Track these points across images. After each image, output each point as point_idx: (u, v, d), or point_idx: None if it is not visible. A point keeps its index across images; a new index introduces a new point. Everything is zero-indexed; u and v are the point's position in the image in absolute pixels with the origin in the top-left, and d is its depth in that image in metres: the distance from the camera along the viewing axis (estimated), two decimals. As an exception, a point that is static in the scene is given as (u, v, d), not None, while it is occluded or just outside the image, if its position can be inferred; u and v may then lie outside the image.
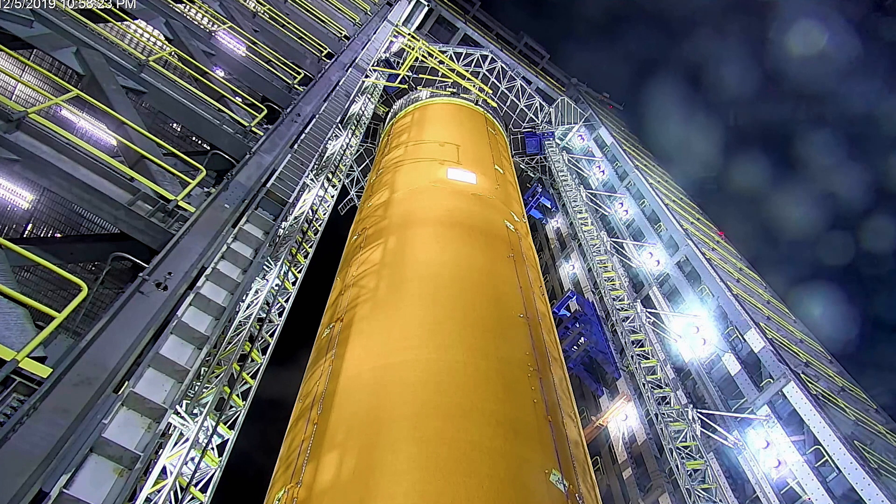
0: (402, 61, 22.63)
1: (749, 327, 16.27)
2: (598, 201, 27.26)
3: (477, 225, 15.28)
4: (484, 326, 11.52)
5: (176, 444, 7.98)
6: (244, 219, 7.03)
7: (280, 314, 11.60)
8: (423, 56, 22.81)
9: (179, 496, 7.86)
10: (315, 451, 9.10)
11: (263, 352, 10.74)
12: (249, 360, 10.15)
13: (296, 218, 13.25)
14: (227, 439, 8.93)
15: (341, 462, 8.53)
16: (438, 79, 26.19)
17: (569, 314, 22.67)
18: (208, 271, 6.04)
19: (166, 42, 9.98)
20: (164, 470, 7.73)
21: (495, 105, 28.28)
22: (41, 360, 4.06)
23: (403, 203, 16.20)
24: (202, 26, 10.99)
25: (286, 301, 11.87)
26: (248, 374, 10.02)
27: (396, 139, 22.51)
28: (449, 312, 11.61)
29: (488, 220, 15.85)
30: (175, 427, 8.02)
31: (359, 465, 8.39)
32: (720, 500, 14.64)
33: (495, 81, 30.49)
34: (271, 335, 11.13)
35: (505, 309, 12.49)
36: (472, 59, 29.80)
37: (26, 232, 15.89)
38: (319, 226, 14.30)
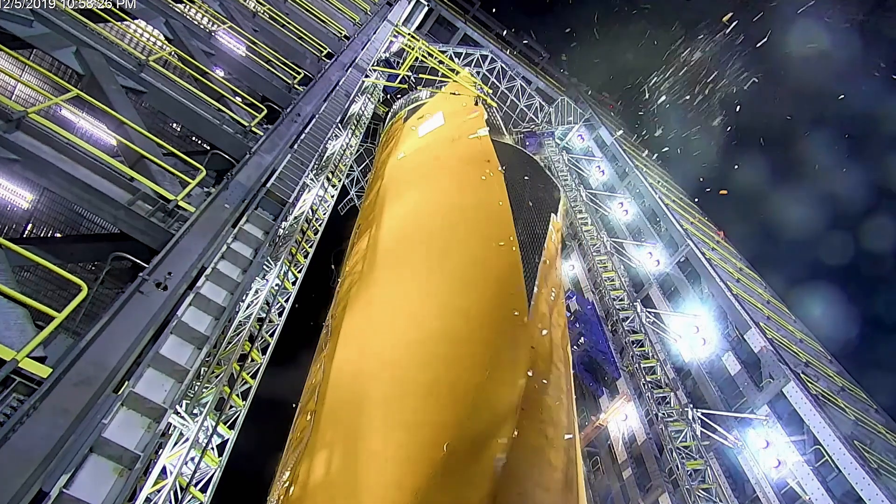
0: (402, 61, 22.63)
1: (749, 327, 16.27)
2: (598, 201, 27.25)
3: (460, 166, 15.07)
4: (462, 272, 11.26)
5: (176, 444, 7.98)
6: (244, 219, 7.02)
7: (280, 314, 11.60)
8: (422, 56, 22.80)
9: (179, 496, 7.86)
10: (310, 448, 9.14)
11: (263, 352, 10.73)
12: (249, 360, 10.14)
13: (296, 218, 13.25)
14: (227, 439, 8.93)
15: (331, 457, 8.57)
16: (438, 79, 26.19)
17: (569, 314, 22.67)
18: (208, 271, 6.03)
19: (166, 42, 9.97)
20: (164, 470, 7.72)
21: (495, 105, 28.28)
22: (41, 360, 4.06)
23: (385, 184, 16.34)
24: (202, 26, 10.98)
25: (286, 301, 11.87)
26: (248, 374, 10.01)
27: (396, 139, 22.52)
28: (427, 284, 11.43)
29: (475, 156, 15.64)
30: (175, 427, 8.02)
31: (348, 455, 8.43)
32: (720, 500, 14.64)
33: (495, 81, 30.48)
34: (271, 335, 11.13)
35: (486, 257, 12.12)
36: (472, 59, 29.79)
37: (26, 232, 15.89)
38: (319, 226, 14.29)
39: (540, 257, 12.95)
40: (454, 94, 21.60)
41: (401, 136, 21.00)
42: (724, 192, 27.42)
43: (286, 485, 8.85)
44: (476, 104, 25.10)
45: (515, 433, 8.71)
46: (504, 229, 12.46)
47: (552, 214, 15.96)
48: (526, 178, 14.68)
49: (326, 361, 10.99)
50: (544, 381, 10.22)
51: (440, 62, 24.24)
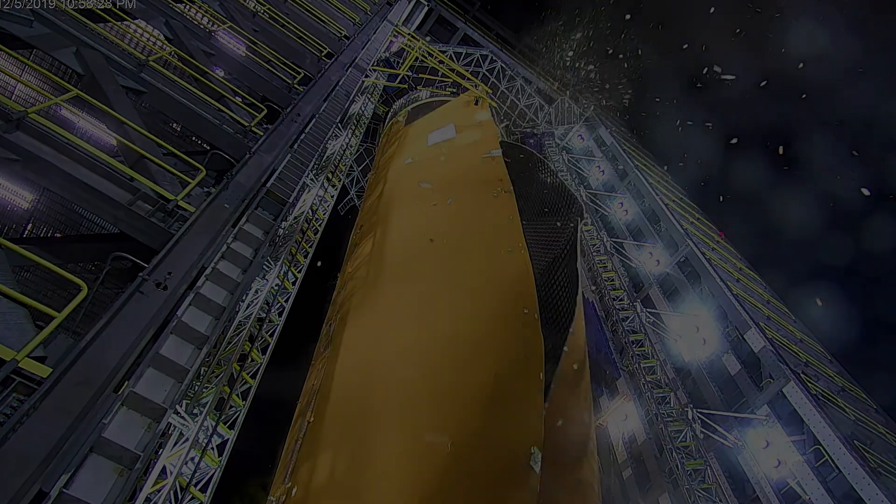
0: (402, 61, 22.62)
1: (749, 327, 16.27)
2: (598, 201, 27.25)
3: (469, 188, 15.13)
4: (472, 292, 11.27)
5: (176, 443, 7.97)
6: (244, 219, 7.03)
7: (280, 314, 11.59)
8: (422, 56, 22.80)
9: (179, 496, 7.86)
10: (314, 450, 9.13)
11: (263, 352, 10.73)
12: (249, 360, 10.14)
13: (296, 218, 13.24)
14: (227, 439, 8.92)
15: (335, 458, 8.56)
16: (438, 79, 26.20)
17: (568, 314, 22.64)
18: (208, 271, 6.04)
19: (166, 42, 9.98)
20: (164, 470, 7.72)
21: (495, 105, 28.28)
22: (41, 360, 4.06)
23: (391, 188, 16.36)
24: (202, 26, 10.98)
25: (286, 301, 11.86)
26: (248, 374, 10.01)
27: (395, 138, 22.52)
28: (435, 289, 11.45)
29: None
30: (175, 427, 8.01)
31: (352, 459, 8.41)
32: (720, 500, 14.64)
33: (495, 81, 30.47)
34: (271, 335, 11.13)
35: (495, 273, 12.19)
36: (472, 59, 29.79)
37: (26, 232, 15.90)
38: (319, 226, 14.28)
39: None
40: (467, 102, 21.59)
41: (405, 138, 20.96)
42: (781, 151, 27.20)
43: (288, 486, 8.85)
44: (476, 103, 25.11)
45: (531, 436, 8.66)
46: (514, 241, 12.48)
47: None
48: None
49: (330, 363, 10.98)
50: (561, 382, 10.11)
51: (440, 62, 24.23)
